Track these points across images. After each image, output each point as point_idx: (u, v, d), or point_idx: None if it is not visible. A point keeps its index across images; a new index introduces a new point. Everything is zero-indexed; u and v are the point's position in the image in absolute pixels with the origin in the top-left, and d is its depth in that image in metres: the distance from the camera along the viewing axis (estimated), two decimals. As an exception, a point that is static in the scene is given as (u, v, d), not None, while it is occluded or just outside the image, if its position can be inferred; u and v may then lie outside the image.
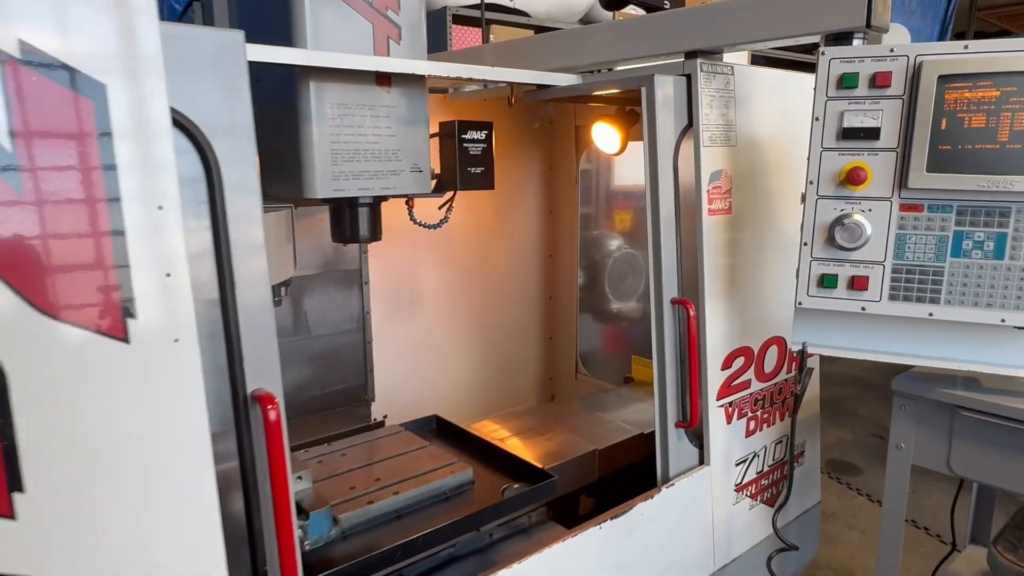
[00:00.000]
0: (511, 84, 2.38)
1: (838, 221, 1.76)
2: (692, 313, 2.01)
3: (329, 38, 1.70)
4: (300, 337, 2.70)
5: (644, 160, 2.00)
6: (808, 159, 1.79)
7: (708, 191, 2.03)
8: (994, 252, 1.66)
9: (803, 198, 1.81)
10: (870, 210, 1.75)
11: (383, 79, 1.84)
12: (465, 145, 2.20)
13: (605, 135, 2.78)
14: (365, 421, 2.92)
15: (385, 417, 2.98)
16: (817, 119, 1.76)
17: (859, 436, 4.85)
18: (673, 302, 2.03)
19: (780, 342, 2.31)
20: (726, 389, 2.15)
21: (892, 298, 1.76)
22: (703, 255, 2.03)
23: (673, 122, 2.00)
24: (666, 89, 1.96)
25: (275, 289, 1.84)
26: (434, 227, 2.31)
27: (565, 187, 3.37)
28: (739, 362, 2.20)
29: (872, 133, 1.71)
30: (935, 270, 1.72)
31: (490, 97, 2.68)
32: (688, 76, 2.00)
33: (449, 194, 2.16)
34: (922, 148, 1.65)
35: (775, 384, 2.34)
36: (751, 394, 2.25)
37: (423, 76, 1.87)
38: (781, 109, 2.22)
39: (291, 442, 1.34)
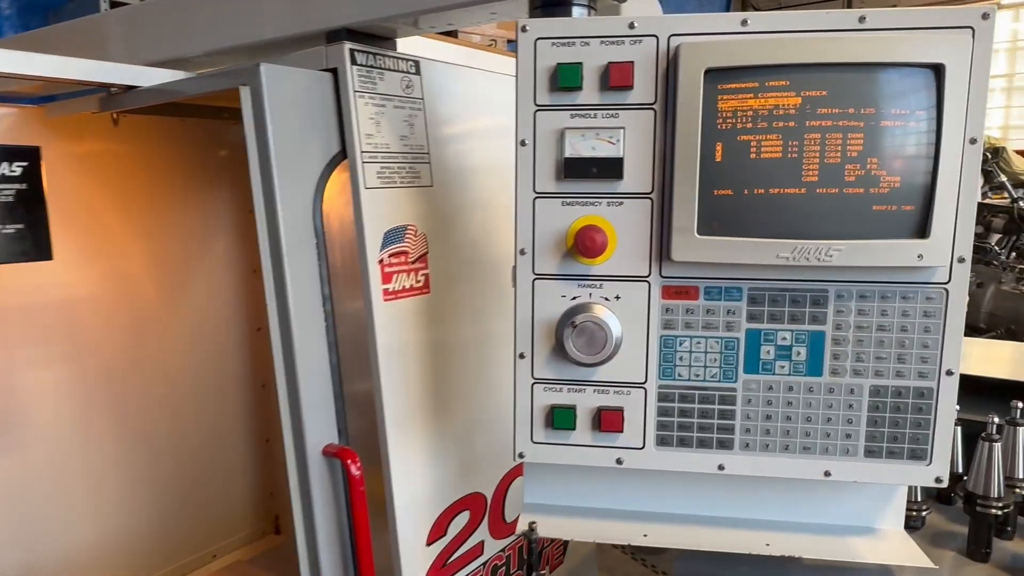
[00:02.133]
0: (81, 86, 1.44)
1: (568, 318, 1.01)
2: (355, 470, 1.17)
3: None
4: None
5: (257, 217, 1.15)
6: (515, 212, 1.03)
7: (383, 262, 1.22)
8: (807, 363, 1.00)
9: (513, 277, 1.05)
10: (617, 297, 1.02)
11: None
12: None
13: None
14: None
15: (-42, 612, 1.84)
16: (523, 144, 1.01)
17: None
18: (327, 454, 1.19)
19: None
20: (439, 573, 1.34)
21: (662, 443, 1.04)
22: (379, 371, 1.21)
23: (307, 148, 1.17)
24: (284, 92, 1.12)
25: None
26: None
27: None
28: (461, 521, 1.40)
29: (610, 167, 0.98)
30: (723, 395, 1.02)
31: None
32: (335, 71, 1.19)
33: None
34: (688, 194, 0.95)
35: (527, 535, 1.56)
36: (486, 563, 1.46)
37: None
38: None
39: None
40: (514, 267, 1.05)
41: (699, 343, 1.02)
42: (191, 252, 2.34)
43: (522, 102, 1.00)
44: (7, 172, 1.30)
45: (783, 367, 1.00)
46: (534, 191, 1.01)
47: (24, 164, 1.32)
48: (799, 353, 1.00)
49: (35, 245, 1.33)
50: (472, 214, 1.40)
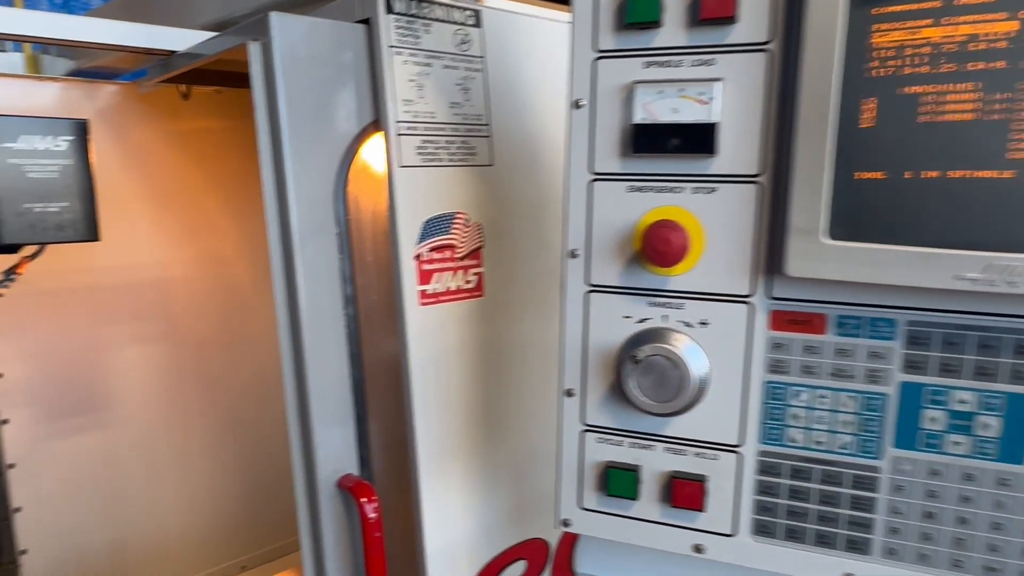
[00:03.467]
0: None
1: (631, 349, 0.73)
2: (371, 511, 0.95)
3: None
4: None
5: (266, 199, 0.96)
6: (565, 199, 0.75)
7: (420, 257, 0.99)
8: (1000, 442, 0.65)
9: (563, 288, 0.78)
10: (702, 323, 0.72)
11: None
12: (15, 163, 1.18)
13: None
14: (6, 595, 1.82)
15: (48, 582, 1.88)
16: (578, 105, 0.73)
17: None
18: (343, 487, 0.98)
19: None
20: (484, 636, 1.10)
21: (762, 531, 0.73)
22: (412, 389, 0.99)
23: (330, 116, 0.96)
24: (302, 47, 0.92)
25: None
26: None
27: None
28: (515, 572, 1.15)
29: (699, 138, 0.68)
30: (859, 475, 0.69)
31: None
32: (367, 22, 0.97)
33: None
34: (815, 178, 0.63)
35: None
36: (548, 625, 1.21)
37: None
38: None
39: None
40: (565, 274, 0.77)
41: (824, 397, 0.69)
42: (284, 235, 2.26)
43: (578, 48, 0.72)
44: (52, 146, 1.21)
45: (959, 444, 0.65)
46: (591, 171, 0.73)
47: (70, 138, 1.23)
48: (987, 425, 0.64)
49: (82, 225, 1.24)
50: (542, 200, 1.14)
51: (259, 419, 2.28)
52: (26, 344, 1.80)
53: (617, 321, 0.74)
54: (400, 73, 0.96)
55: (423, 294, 1.00)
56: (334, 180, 0.96)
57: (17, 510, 1.83)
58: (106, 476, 1.97)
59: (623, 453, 0.77)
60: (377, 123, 0.99)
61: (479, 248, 1.07)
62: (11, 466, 1.80)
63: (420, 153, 0.99)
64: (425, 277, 1.00)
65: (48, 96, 1.75)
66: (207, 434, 2.17)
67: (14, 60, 1.78)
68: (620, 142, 0.71)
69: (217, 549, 2.24)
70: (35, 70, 1.89)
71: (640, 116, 0.69)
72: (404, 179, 0.97)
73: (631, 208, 0.72)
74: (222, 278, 2.15)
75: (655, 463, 0.75)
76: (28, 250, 1.30)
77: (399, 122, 0.96)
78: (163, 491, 2.10)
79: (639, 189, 0.71)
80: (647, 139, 0.69)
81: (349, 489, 0.95)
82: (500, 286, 1.09)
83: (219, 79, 1.73)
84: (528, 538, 1.16)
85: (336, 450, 0.97)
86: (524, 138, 1.12)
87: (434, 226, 1.01)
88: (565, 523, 0.81)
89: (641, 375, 0.71)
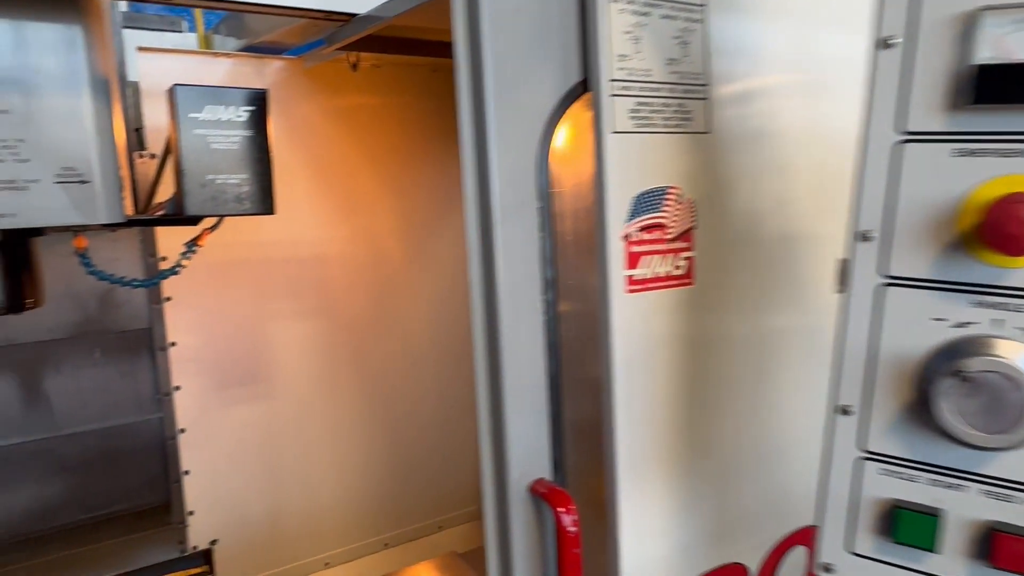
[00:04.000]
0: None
1: (949, 360, 0.56)
2: (569, 524, 0.84)
3: None
4: (40, 437, 1.71)
5: (464, 170, 0.86)
6: (857, 167, 0.59)
7: (629, 238, 0.86)
8: None
9: (841, 277, 0.62)
10: (1059, 333, 0.54)
11: None
12: (200, 133, 1.16)
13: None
14: (173, 551, 1.90)
15: (213, 543, 1.96)
16: (887, 45, 0.57)
17: None
18: (535, 493, 0.88)
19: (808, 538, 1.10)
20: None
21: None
22: (614, 388, 0.86)
23: (536, 76, 0.84)
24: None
25: None
26: (150, 282, 1.27)
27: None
28: (713, 601, 1.01)
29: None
30: None
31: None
32: (579, -32, 0.84)
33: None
34: None
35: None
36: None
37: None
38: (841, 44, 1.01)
39: None
40: (843, 261, 0.61)
41: None
42: (438, 212, 2.21)
43: (894, -33, 0.55)
44: (233, 117, 1.19)
45: None
46: (899, 130, 0.57)
47: (251, 109, 1.20)
48: None
49: (258, 197, 1.21)
50: (762, 175, 0.97)
51: (405, 397, 2.26)
52: (197, 315, 1.86)
53: (924, 324, 0.58)
54: (616, 24, 0.83)
55: (630, 280, 0.87)
56: (537, 148, 0.84)
57: (186, 473, 1.91)
58: (266, 446, 2.02)
59: (918, 491, 0.60)
60: (584, 83, 0.86)
61: (691, 229, 0.92)
62: (182, 431, 1.87)
63: (634, 117, 0.85)
64: (633, 260, 0.87)
65: (220, 72, 1.77)
66: (356, 410, 2.18)
67: (189, 39, 1.82)
68: (949, 91, 0.54)
69: (362, 525, 2.26)
70: (207, 48, 1.93)
71: (986, 54, 0.52)
72: (616, 147, 0.84)
73: (959, 177, 0.55)
74: (376, 256, 2.13)
75: (966, 508, 0.58)
76: (207, 222, 1.29)
77: (612, 81, 0.83)
78: (315, 464, 2.13)
79: (974, 152, 0.54)
80: (996, 85, 0.52)
81: (543, 496, 0.85)
82: (712, 274, 0.94)
83: (392, 47, 1.68)
84: (727, 562, 1.02)
85: (529, 450, 0.87)
86: (746, 101, 0.95)
87: (645, 202, 0.87)
88: (827, 568, 0.65)
89: (965, 396, 0.55)
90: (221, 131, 1.19)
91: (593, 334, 0.87)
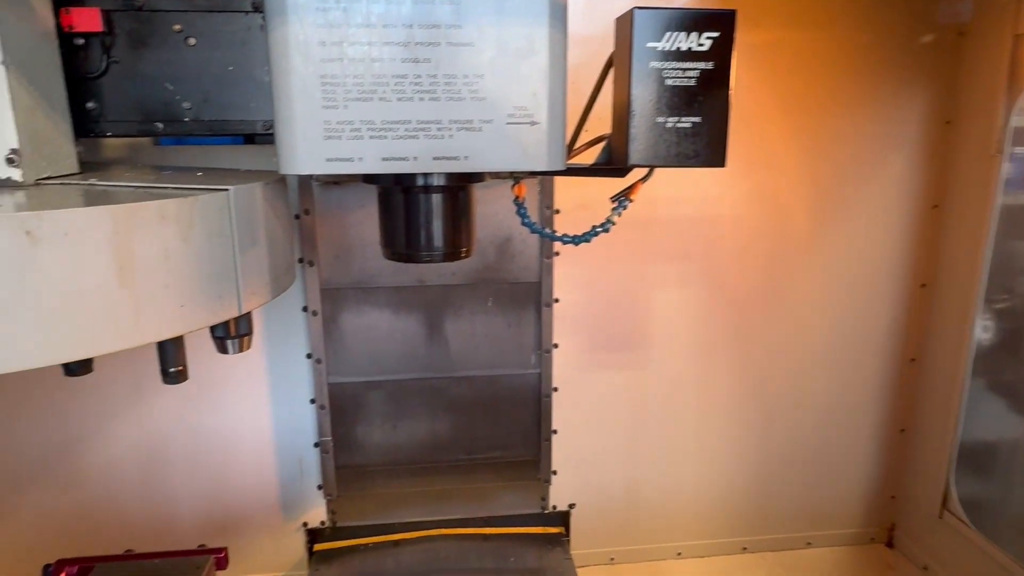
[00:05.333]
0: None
1: None
2: None
3: None
4: (437, 376, 1.79)
5: None
6: None
7: None
8: None
9: None
10: None
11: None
12: (656, 67, 1.00)
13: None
14: (535, 507, 1.91)
15: (571, 507, 1.93)
16: None
17: None
18: None
19: None
20: None
21: None
22: None
23: None
24: None
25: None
26: (583, 238, 1.15)
27: (973, 159, 1.72)
28: None
29: None
30: None
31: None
32: None
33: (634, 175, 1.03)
34: None
35: None
36: None
37: None
38: None
39: None
40: None
41: None
42: (854, 173, 1.81)
43: None
44: (693, 46, 0.97)
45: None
46: None
47: (714, 36, 0.98)
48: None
49: (709, 147, 0.99)
50: None
51: (791, 389, 1.94)
52: (582, 273, 1.76)
53: None
54: None
55: None
56: None
57: (554, 432, 1.87)
58: (630, 417, 1.90)
59: None
60: None
61: None
62: (555, 389, 1.83)
63: None
64: None
65: None
66: (731, 394, 1.93)
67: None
68: None
69: (720, 520, 2.03)
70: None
71: None
72: None
73: None
74: (775, 221, 1.82)
75: None
76: (636, 173, 1.11)
77: None
78: (679, 445, 1.95)
79: None
80: None
81: None
82: None
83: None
84: None
85: None
86: None
87: None
88: None
89: None
90: (679, 64, 0.98)
91: None
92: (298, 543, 1.83)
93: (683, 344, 1.86)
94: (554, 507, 1.92)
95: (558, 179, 1.69)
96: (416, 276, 1.67)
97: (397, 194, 1.07)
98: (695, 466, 1.97)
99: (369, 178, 1.05)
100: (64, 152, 1.01)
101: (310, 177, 1.56)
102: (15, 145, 0.89)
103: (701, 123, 1.00)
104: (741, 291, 1.85)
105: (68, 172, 1.01)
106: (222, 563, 1.07)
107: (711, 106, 0.99)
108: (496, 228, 1.67)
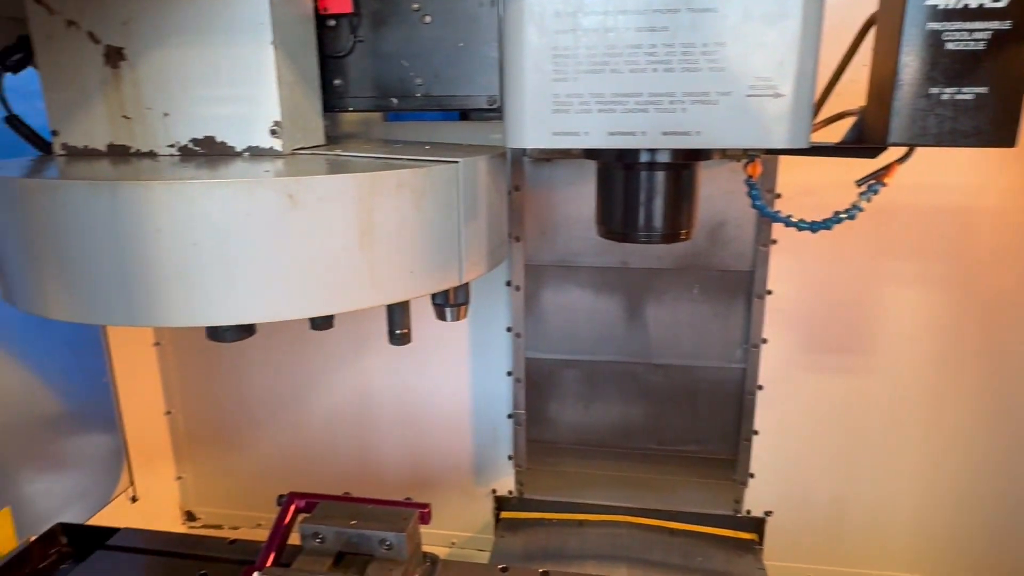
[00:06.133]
0: None
1: None
2: None
3: None
4: (633, 360, 1.75)
5: None
6: None
7: None
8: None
9: None
10: None
11: None
12: (935, 28, 0.88)
13: None
14: (727, 509, 1.81)
15: (768, 514, 1.81)
16: None
17: None
18: None
19: None
20: None
21: None
22: None
23: None
24: None
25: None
26: (823, 225, 1.05)
27: None
28: None
29: None
30: None
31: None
32: None
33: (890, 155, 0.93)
34: None
35: None
36: None
37: None
38: None
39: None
40: None
41: None
42: None
43: None
44: (987, 2, 0.82)
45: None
46: None
47: (1005, -8, 0.82)
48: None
49: (995, 123, 0.84)
50: None
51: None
52: (802, 264, 1.61)
53: None
54: None
55: None
56: None
57: (755, 433, 1.75)
58: (844, 427, 1.71)
59: None
60: None
61: None
62: (760, 387, 1.70)
63: None
64: None
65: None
66: (971, 413, 1.67)
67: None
68: None
69: (943, 555, 1.78)
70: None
71: None
72: None
73: None
74: (1045, 217, 1.53)
75: None
76: (892, 152, 0.97)
77: None
78: (900, 461, 1.73)
79: None
80: None
81: None
82: None
83: None
84: None
85: None
86: None
87: None
88: None
89: None
90: (965, 24, 0.84)
91: None
92: (486, 508, 1.89)
93: (916, 352, 1.64)
94: (748, 511, 1.80)
95: (782, 160, 1.55)
96: (620, 257, 1.63)
97: (618, 170, 1.03)
98: (918, 491, 1.74)
99: (591, 152, 1.03)
100: (314, 125, 1.10)
101: (523, 152, 1.58)
102: (278, 118, 0.97)
103: (988, 94, 0.84)
104: (995, 297, 1.59)
105: (316, 144, 1.10)
106: (425, 518, 1.12)
107: (1003, 74, 0.83)
108: (709, 212, 1.58)
